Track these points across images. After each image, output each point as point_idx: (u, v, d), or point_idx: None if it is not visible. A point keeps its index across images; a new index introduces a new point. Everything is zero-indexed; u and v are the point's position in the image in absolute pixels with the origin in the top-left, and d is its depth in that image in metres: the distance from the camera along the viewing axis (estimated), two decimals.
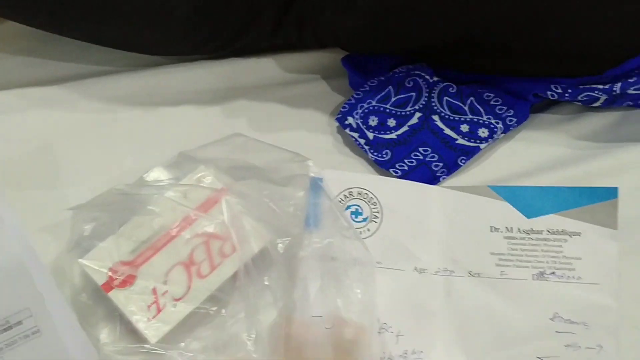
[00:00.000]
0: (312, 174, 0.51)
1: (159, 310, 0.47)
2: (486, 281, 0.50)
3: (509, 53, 0.57)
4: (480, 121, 0.59)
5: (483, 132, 0.58)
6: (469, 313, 0.49)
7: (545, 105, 0.63)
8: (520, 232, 0.51)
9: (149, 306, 0.47)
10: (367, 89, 0.60)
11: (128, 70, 0.64)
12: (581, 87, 0.58)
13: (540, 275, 0.50)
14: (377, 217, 0.50)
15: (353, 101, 0.60)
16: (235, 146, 0.54)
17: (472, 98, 0.60)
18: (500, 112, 0.60)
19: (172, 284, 0.47)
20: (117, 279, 0.47)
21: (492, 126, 0.58)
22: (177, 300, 0.47)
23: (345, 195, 0.51)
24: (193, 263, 0.48)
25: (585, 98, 0.59)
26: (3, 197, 0.47)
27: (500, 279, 0.50)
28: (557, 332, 0.48)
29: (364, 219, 0.51)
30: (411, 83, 0.60)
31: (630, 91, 0.57)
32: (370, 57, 0.62)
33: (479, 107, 0.59)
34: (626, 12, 0.54)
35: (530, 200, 0.51)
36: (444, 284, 0.50)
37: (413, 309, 0.49)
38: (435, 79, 0.61)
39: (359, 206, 0.50)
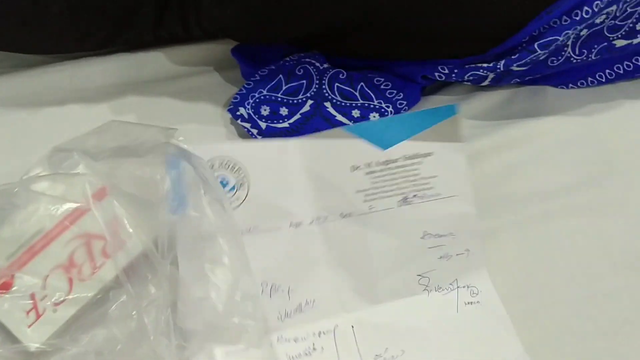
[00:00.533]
0: (172, 142, 0.49)
1: (38, 316, 0.45)
2: (358, 219, 0.51)
3: (393, 36, 0.57)
4: (371, 106, 0.59)
5: (374, 117, 0.58)
6: (349, 253, 0.51)
7: (438, 87, 0.64)
8: (379, 165, 0.52)
9: (27, 312, 0.45)
10: (258, 78, 0.60)
11: (11, 71, 0.61)
12: (467, 67, 0.59)
13: (405, 200, 0.52)
14: (244, 183, 0.50)
15: (244, 91, 0.59)
16: (112, 133, 0.53)
17: (362, 83, 0.60)
18: (390, 95, 0.60)
19: (51, 289, 0.46)
20: None
21: (382, 110, 0.59)
22: (57, 305, 0.45)
23: (210, 167, 0.50)
24: (73, 265, 0.47)
25: (472, 77, 0.60)
26: None
27: (370, 213, 0.51)
28: (429, 248, 0.52)
29: (232, 188, 0.50)
30: (302, 71, 0.60)
31: (514, 68, 0.58)
32: (260, 46, 0.62)
33: (369, 92, 0.60)
34: None
35: (383, 133, 0.52)
36: (320, 232, 0.51)
37: (298, 263, 0.50)
38: (326, 65, 0.60)
39: (224, 176, 0.50)
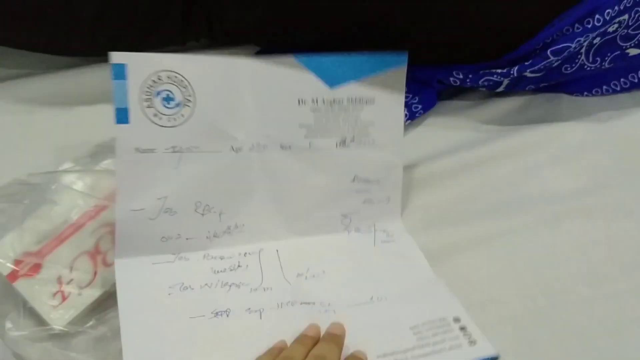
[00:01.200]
0: (113, 62, 0.47)
1: (64, 298, 0.47)
2: (297, 153, 0.53)
3: (409, 41, 0.59)
4: None
5: None
6: (282, 184, 0.53)
7: (454, 93, 0.66)
8: (325, 104, 0.53)
9: (54, 294, 0.47)
10: None
11: (43, 72, 0.65)
12: (481, 72, 0.60)
13: (343, 143, 0.54)
14: (190, 100, 0.49)
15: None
16: None
17: None
18: (405, 99, 0.62)
19: (77, 272, 0.48)
20: (22, 269, 0.48)
21: None
22: (82, 288, 0.48)
23: (154, 81, 0.48)
24: (99, 252, 0.49)
25: (486, 83, 0.61)
26: None
27: (309, 150, 0.53)
28: (356, 191, 0.54)
29: (177, 104, 0.48)
30: None
31: (528, 74, 0.60)
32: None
33: None
34: None
35: (332, 70, 0.53)
36: (258, 159, 0.52)
37: (233, 187, 0.51)
38: None
39: (169, 91, 0.48)
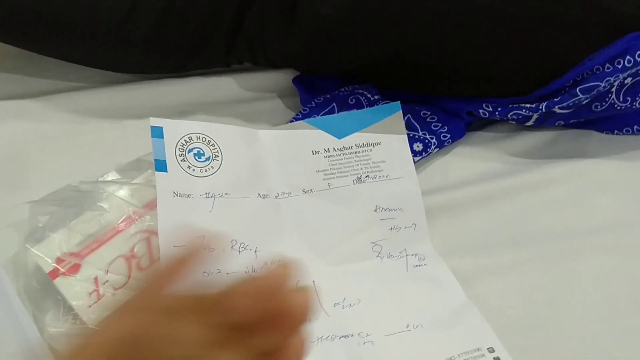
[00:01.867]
0: (152, 124, 0.56)
1: (99, 298, 0.51)
2: (318, 194, 0.57)
3: (439, 74, 0.62)
4: (416, 136, 0.63)
5: (417, 147, 0.62)
6: (310, 222, 0.56)
7: (484, 124, 0.67)
8: (336, 150, 0.59)
9: (90, 293, 0.51)
10: (314, 105, 0.65)
11: (98, 86, 0.69)
12: (510, 106, 0.62)
13: (359, 180, 0.58)
14: (217, 156, 0.56)
15: (300, 116, 0.65)
16: None
17: (409, 115, 0.64)
18: (435, 128, 0.64)
19: (113, 275, 0.52)
20: (63, 267, 0.51)
21: (426, 141, 0.63)
22: (116, 289, 0.51)
23: (185, 140, 0.56)
24: (134, 256, 0.53)
25: (515, 116, 0.63)
26: None
27: (329, 190, 0.57)
28: (381, 219, 0.57)
29: (207, 159, 0.56)
30: (353, 100, 0.65)
31: (557, 110, 0.61)
32: (318, 77, 0.67)
33: (415, 123, 0.64)
34: (549, 37, 0.59)
35: (338, 126, 0.60)
36: (284, 204, 0.56)
37: (264, 228, 0.55)
38: (377, 97, 0.65)
39: (200, 148, 0.56)
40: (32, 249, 0.52)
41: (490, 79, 0.61)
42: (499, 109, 0.62)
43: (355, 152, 0.59)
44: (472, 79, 0.62)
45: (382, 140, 0.59)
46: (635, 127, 0.65)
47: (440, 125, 0.64)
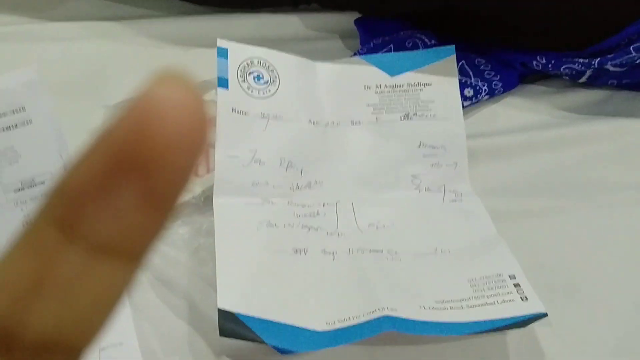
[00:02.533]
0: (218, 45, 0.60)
1: None
2: (366, 126, 0.60)
3: (494, 24, 0.63)
4: (468, 82, 0.65)
5: (468, 92, 0.65)
6: (355, 151, 0.59)
7: (538, 78, 0.69)
8: (387, 87, 0.61)
9: None
10: (372, 46, 0.69)
11: (175, 15, 0.75)
12: (564, 59, 0.63)
13: (406, 116, 0.60)
14: (275, 81, 0.59)
15: (357, 56, 0.68)
16: None
17: (463, 61, 0.66)
18: (488, 76, 0.66)
19: None
20: None
21: (477, 87, 0.65)
22: None
23: (247, 64, 0.59)
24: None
25: (568, 71, 0.64)
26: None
27: (377, 123, 0.60)
28: (424, 155, 0.59)
29: (265, 82, 0.59)
30: (410, 44, 0.68)
31: (610, 67, 0.62)
32: (380, 20, 0.70)
33: (468, 69, 0.66)
34: None
35: (392, 64, 0.62)
36: (333, 132, 0.60)
37: (312, 151, 0.59)
38: (433, 42, 0.68)
39: (260, 71, 0.59)
40: None
41: (546, 32, 0.63)
42: (553, 62, 0.64)
43: (406, 90, 0.62)
44: (528, 31, 0.63)
45: (433, 81, 0.62)
46: None
47: (493, 74, 0.66)
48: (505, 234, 0.57)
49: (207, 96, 0.62)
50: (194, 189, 0.57)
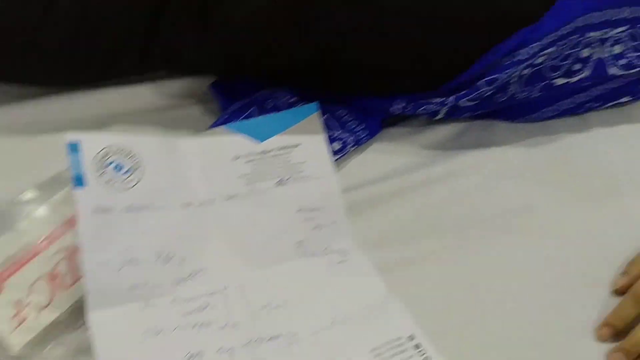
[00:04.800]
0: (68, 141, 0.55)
1: (22, 320, 0.51)
2: (242, 199, 0.59)
3: (351, 73, 0.64)
4: (334, 136, 0.65)
5: (336, 146, 0.64)
6: (235, 228, 0.58)
7: (399, 120, 0.70)
8: (257, 155, 0.60)
9: (12, 317, 0.50)
10: (233, 110, 0.66)
11: (11, 101, 0.68)
12: (420, 101, 0.65)
13: (281, 182, 0.60)
14: (138, 168, 0.56)
15: (220, 122, 0.66)
16: None
17: (327, 114, 0.66)
18: (352, 126, 0.66)
19: (36, 295, 0.52)
20: None
21: (344, 140, 0.65)
22: (40, 310, 0.51)
23: (104, 154, 0.55)
24: (57, 275, 0.53)
25: (424, 111, 0.66)
26: None
27: (252, 194, 0.59)
28: (305, 219, 0.59)
29: (127, 171, 0.55)
30: (271, 104, 0.66)
31: (463, 103, 0.65)
32: (236, 81, 0.68)
33: (332, 123, 0.66)
34: (450, 36, 0.62)
35: (258, 129, 0.61)
36: (208, 211, 0.57)
37: (189, 237, 0.56)
38: (294, 99, 0.67)
39: (119, 161, 0.55)
40: None
41: (399, 75, 0.64)
42: (412, 104, 0.65)
43: (276, 155, 0.61)
44: (382, 76, 0.64)
45: (301, 142, 0.61)
46: (534, 115, 0.70)
47: (357, 123, 0.66)
48: (394, 286, 0.57)
49: (61, 195, 0.57)
50: (60, 303, 0.52)
